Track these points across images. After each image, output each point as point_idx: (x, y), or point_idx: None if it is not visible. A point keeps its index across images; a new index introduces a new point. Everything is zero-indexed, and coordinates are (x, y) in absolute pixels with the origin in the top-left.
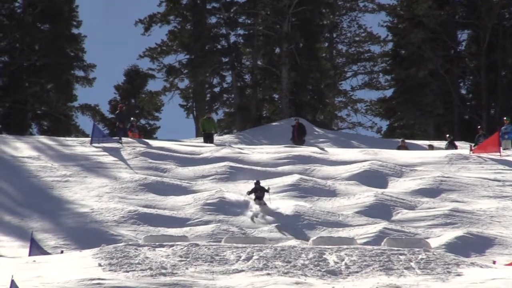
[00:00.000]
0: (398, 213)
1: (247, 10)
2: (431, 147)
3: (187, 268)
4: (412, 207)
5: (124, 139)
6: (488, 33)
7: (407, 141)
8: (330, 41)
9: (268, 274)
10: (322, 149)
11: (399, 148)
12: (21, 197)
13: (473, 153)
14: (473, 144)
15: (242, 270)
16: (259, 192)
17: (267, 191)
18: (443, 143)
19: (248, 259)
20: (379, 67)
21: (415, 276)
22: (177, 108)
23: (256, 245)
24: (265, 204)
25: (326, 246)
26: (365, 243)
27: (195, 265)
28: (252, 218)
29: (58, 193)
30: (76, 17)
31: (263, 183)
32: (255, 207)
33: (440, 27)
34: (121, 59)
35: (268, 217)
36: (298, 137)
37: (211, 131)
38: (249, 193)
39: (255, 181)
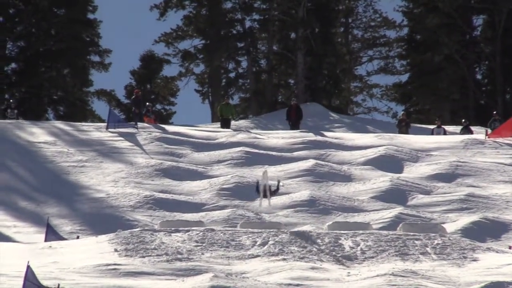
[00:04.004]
0: (414, 198)
1: None
2: (438, 125)
3: (203, 253)
4: (427, 192)
5: (139, 124)
6: (504, 18)
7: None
8: (345, 26)
9: (284, 259)
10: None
11: (400, 122)
12: (37, 182)
13: (488, 138)
14: (488, 129)
15: (258, 255)
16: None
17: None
18: (458, 128)
19: (263, 244)
20: (395, 52)
21: (431, 261)
22: (192, 93)
23: (271, 230)
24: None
25: (342, 231)
26: (380, 228)
27: (211, 250)
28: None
29: (74, 178)
30: (92, 2)
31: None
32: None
33: (456, 12)
34: (136, 44)
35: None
36: (295, 120)
37: (229, 117)
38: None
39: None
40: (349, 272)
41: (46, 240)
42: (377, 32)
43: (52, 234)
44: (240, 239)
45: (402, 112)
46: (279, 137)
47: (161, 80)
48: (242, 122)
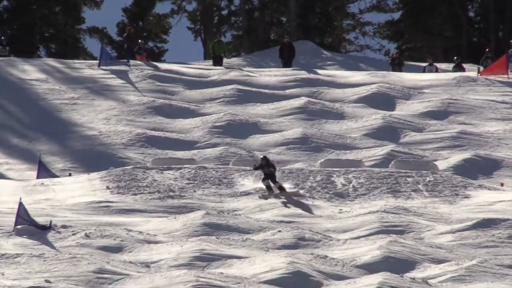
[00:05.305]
0: (406, 135)
1: None
2: (430, 62)
3: (195, 191)
4: (420, 130)
5: (132, 62)
6: None
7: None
8: None
9: (276, 196)
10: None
11: (393, 60)
12: (29, 120)
13: (480, 75)
14: (480, 67)
15: (250, 193)
16: (266, 169)
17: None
18: (450, 66)
19: (256, 181)
20: None
21: (422, 199)
22: (185, 31)
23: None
24: (281, 189)
25: (334, 169)
26: (372, 166)
27: (203, 188)
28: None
29: (66, 115)
30: None
31: (269, 108)
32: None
33: None
34: None
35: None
36: (288, 58)
37: (221, 54)
38: (256, 168)
39: (261, 156)
40: (341, 209)
41: (38, 177)
42: None
43: (44, 171)
44: (232, 177)
45: (395, 50)
46: (272, 75)
47: (153, 17)
48: (235, 60)
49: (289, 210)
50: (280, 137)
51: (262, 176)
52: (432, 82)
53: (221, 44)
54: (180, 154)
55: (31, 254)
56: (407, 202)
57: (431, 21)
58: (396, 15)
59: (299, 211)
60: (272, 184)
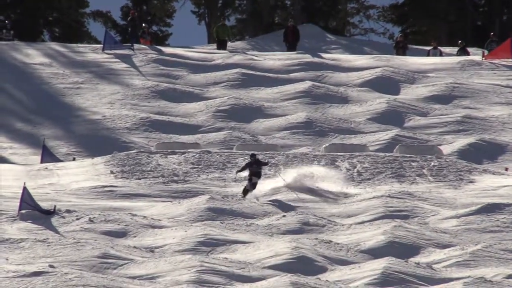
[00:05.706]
0: (411, 119)
1: None
2: (434, 46)
3: (199, 175)
4: (424, 114)
5: (136, 46)
6: None
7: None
8: None
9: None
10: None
11: (397, 43)
12: (33, 104)
13: (485, 59)
14: (485, 50)
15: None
16: (255, 167)
17: (266, 164)
18: (455, 49)
19: None
20: None
21: (427, 183)
22: (189, 15)
23: (268, 152)
24: (253, 187)
25: (338, 153)
26: (377, 150)
27: (207, 172)
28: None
29: (70, 100)
30: None
31: (273, 92)
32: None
33: None
34: None
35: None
36: (292, 42)
37: (225, 38)
38: (243, 168)
39: (250, 153)
40: (346, 194)
41: (42, 162)
42: None
43: (48, 155)
44: (237, 161)
45: (400, 34)
46: (276, 59)
47: (157, 1)
48: (239, 44)
49: (293, 195)
50: (284, 122)
51: (248, 177)
52: (437, 66)
53: (225, 28)
54: (184, 138)
55: (35, 239)
56: (411, 187)
57: (435, 4)
58: None
59: (303, 195)
60: (250, 185)
